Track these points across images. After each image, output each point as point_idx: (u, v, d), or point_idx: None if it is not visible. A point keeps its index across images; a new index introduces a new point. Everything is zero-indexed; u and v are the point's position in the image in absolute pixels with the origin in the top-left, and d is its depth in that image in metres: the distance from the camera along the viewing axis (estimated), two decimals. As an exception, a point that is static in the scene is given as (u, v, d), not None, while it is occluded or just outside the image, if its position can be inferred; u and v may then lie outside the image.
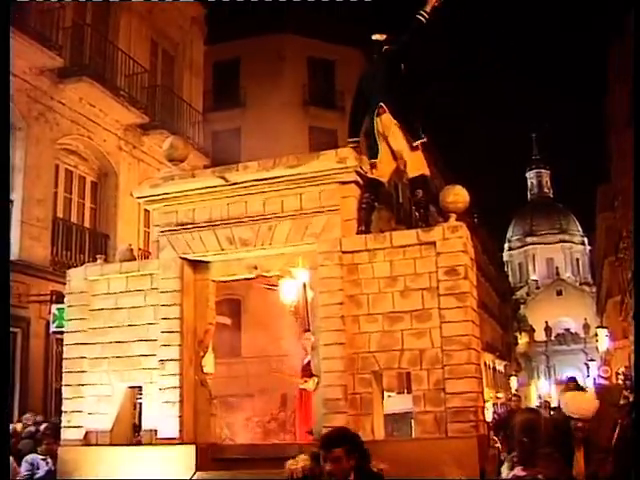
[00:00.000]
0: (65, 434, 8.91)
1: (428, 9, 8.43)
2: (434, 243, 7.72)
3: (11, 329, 14.10)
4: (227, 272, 8.95)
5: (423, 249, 7.80)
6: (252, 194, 8.51)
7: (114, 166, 18.98)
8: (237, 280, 9.26)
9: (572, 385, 15.11)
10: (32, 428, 10.75)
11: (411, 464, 6.95)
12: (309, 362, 9.24)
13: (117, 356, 8.85)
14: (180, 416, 8.38)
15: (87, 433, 8.78)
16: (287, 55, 29.19)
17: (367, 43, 9.21)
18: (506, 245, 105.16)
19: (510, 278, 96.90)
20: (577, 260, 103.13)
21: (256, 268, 8.74)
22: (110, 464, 8.26)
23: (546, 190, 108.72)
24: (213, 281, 9.00)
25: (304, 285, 9.18)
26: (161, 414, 8.42)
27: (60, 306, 13.85)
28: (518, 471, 5.93)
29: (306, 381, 9.62)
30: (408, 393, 9.69)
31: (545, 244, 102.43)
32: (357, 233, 8.22)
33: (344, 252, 8.03)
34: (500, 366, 66.41)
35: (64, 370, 9.18)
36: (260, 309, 13.11)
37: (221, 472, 7.89)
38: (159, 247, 8.99)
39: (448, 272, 7.60)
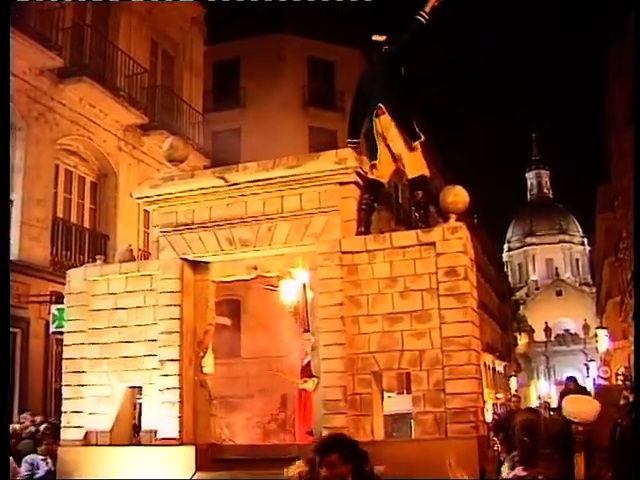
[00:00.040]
0: (65, 434, 8.91)
1: (428, 9, 8.43)
2: (434, 244, 7.73)
3: (11, 329, 14.09)
4: (227, 273, 8.96)
5: (423, 250, 7.80)
6: (252, 195, 8.51)
7: (114, 166, 18.97)
8: (237, 281, 9.27)
9: (572, 385, 15.12)
10: (32, 428, 10.75)
11: (411, 465, 6.95)
12: (309, 363, 9.25)
13: (117, 356, 8.86)
14: (180, 417, 8.38)
15: (87, 433, 8.79)
16: (287, 55, 29.18)
17: (367, 43, 9.22)
18: (506, 246, 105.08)
19: (510, 279, 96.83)
20: (577, 260, 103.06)
21: (256, 269, 8.75)
22: (110, 464, 8.27)
23: (546, 190, 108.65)
24: (213, 282, 9.01)
25: (304, 286, 9.19)
26: (161, 414, 8.43)
27: (60, 306, 13.84)
28: (519, 471, 5.93)
29: (306, 381, 9.63)
30: (408, 394, 9.69)
31: (545, 244, 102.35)
32: (357, 234, 8.22)
33: (344, 253, 8.03)
34: (500, 367, 66.37)
35: (64, 370, 9.19)
36: (260, 310, 13.12)
37: (221, 473, 7.89)
38: (159, 248, 8.99)
39: (448, 273, 7.61)
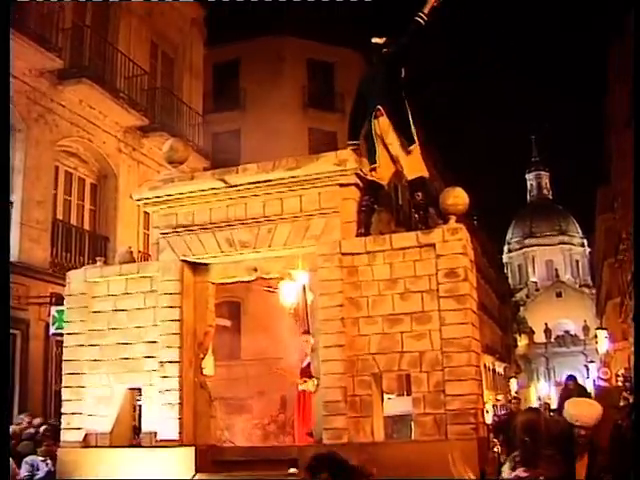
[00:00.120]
0: (65, 436, 8.91)
1: (427, 10, 8.43)
2: (434, 245, 7.73)
3: (11, 331, 14.08)
4: (227, 274, 8.96)
5: (423, 251, 7.80)
6: (252, 196, 8.52)
7: (114, 168, 18.96)
8: (237, 282, 9.27)
9: (572, 384, 15.12)
10: (32, 430, 10.75)
11: (411, 466, 6.96)
12: (309, 364, 9.25)
13: (117, 358, 8.86)
14: (180, 418, 8.38)
15: (87, 435, 8.78)
16: (287, 57, 29.19)
17: (367, 45, 9.22)
18: (505, 247, 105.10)
19: (510, 280, 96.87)
20: (577, 262, 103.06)
21: (256, 270, 8.75)
22: (110, 466, 8.27)
23: (545, 192, 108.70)
24: (213, 283, 9.01)
25: (304, 287, 9.20)
26: (161, 416, 8.42)
27: (60, 308, 13.84)
28: (520, 472, 5.93)
29: (305, 381, 9.64)
30: (408, 395, 9.70)
31: (545, 246, 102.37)
32: (357, 235, 8.22)
33: (344, 254, 8.04)
34: (500, 368, 66.37)
35: (64, 372, 9.19)
36: (260, 311, 13.14)
37: (220, 474, 7.89)
38: (159, 249, 8.99)
39: (448, 274, 7.61)
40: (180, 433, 8.35)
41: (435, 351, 7.57)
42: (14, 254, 14.99)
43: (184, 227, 8.81)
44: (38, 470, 9.46)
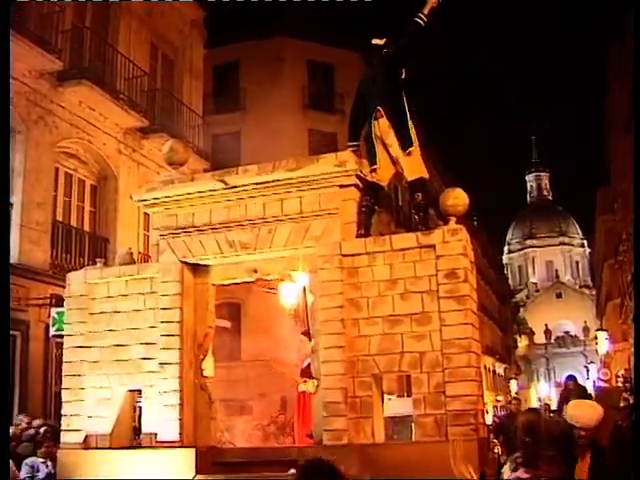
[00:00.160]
0: (65, 437, 8.91)
1: (426, 11, 8.43)
2: (434, 246, 7.73)
3: (11, 332, 14.08)
4: (227, 275, 8.96)
5: (423, 252, 7.80)
6: (252, 197, 8.52)
7: (114, 169, 18.97)
8: (237, 283, 9.27)
9: (572, 384, 15.13)
10: (32, 431, 10.74)
11: (411, 467, 6.95)
12: (309, 364, 9.25)
13: (117, 359, 8.86)
14: (180, 419, 8.38)
15: (87, 436, 8.78)
16: (286, 58, 29.20)
17: (366, 46, 9.23)
18: (506, 248, 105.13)
19: (510, 281, 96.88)
20: (577, 263, 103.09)
21: (256, 271, 8.75)
22: (110, 467, 8.26)
23: (545, 193, 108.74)
24: (213, 284, 9.01)
25: (304, 288, 9.19)
26: (161, 417, 8.42)
27: (60, 309, 13.84)
28: (521, 473, 5.93)
29: (305, 381, 9.63)
30: (408, 396, 9.69)
31: (545, 247, 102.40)
32: (357, 236, 8.22)
33: (344, 255, 8.03)
34: (500, 369, 66.37)
35: (64, 373, 9.18)
36: (260, 313, 13.15)
37: (221, 475, 7.89)
38: (159, 251, 8.99)
39: (448, 275, 7.61)
40: (180, 434, 8.35)
41: (435, 352, 7.57)
42: (14, 256, 14.99)
43: (184, 228, 8.81)
44: (38, 472, 9.45)
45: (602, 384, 30.47)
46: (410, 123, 8.50)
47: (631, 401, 13.05)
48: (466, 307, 7.57)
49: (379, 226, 10.41)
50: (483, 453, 7.45)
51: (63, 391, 9.16)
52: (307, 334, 9.58)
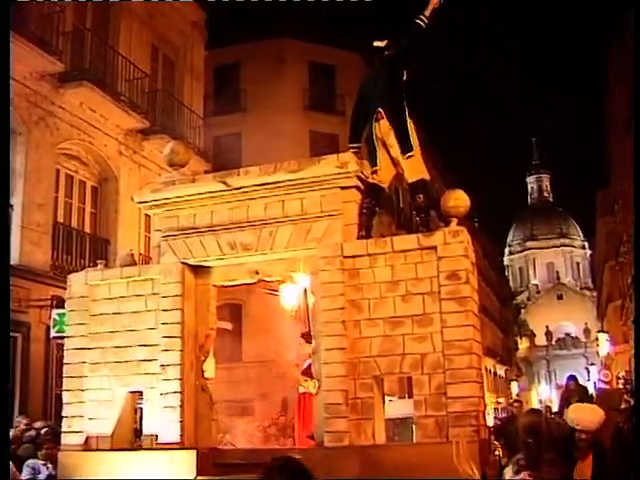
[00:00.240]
0: (66, 439, 8.89)
1: (427, 13, 8.43)
2: (435, 248, 7.72)
3: (11, 334, 14.09)
4: (228, 277, 8.95)
5: (424, 254, 7.79)
6: (253, 199, 8.51)
7: (115, 171, 18.98)
8: (238, 285, 9.26)
9: (573, 384, 15.11)
10: (32, 433, 10.74)
11: (412, 469, 6.94)
12: (310, 365, 9.25)
13: (118, 361, 8.85)
14: (181, 421, 8.37)
15: (88, 438, 8.77)
16: (288, 59, 29.23)
17: (367, 47, 9.22)
18: (507, 249, 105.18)
19: (511, 282, 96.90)
20: (578, 264, 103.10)
21: (257, 273, 8.74)
22: (111, 469, 8.25)
23: (546, 194, 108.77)
24: (214, 286, 9.00)
25: (305, 290, 9.19)
26: (162, 419, 8.41)
27: (61, 311, 13.85)
28: (524, 475, 5.93)
29: (306, 380, 9.63)
30: (409, 398, 9.68)
31: (545, 248, 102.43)
32: (358, 238, 8.21)
33: (345, 257, 8.03)
34: (501, 371, 66.35)
35: (64, 375, 9.17)
36: (261, 314, 13.14)
37: (221, 477, 7.88)
38: (160, 252, 8.99)
39: (449, 276, 7.60)
40: (181, 436, 8.34)
41: (436, 353, 7.56)
42: (15, 257, 15.01)
43: (185, 230, 8.80)
44: (39, 473, 9.45)
45: (603, 386, 30.45)
46: (411, 126, 8.50)
47: (632, 403, 13.03)
48: (467, 309, 7.56)
49: (380, 228, 10.42)
50: (484, 455, 7.44)
51: (64, 392, 9.15)
52: (306, 336, 9.59)
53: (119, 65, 18.98)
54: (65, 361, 9.22)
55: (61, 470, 8.65)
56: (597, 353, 53.33)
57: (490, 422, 18.49)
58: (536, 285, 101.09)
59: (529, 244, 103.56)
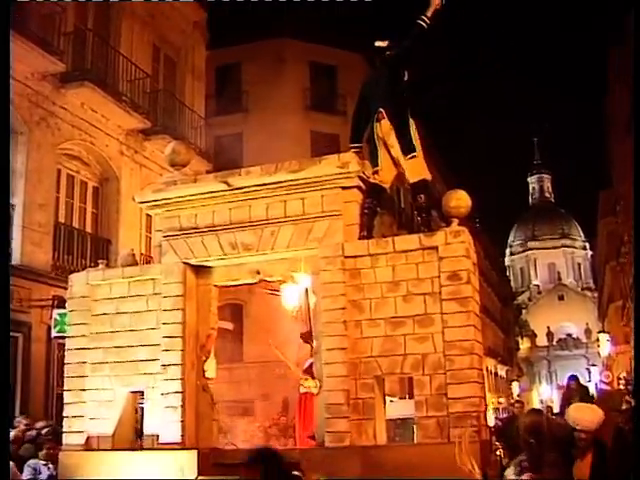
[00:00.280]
0: (67, 439, 8.91)
1: (429, 14, 8.43)
2: (436, 248, 7.72)
3: (12, 334, 14.08)
4: (229, 277, 8.95)
5: (425, 254, 7.79)
6: (255, 199, 8.51)
7: (116, 171, 18.97)
8: (239, 285, 9.27)
9: (574, 384, 15.08)
10: (33, 433, 10.73)
11: (413, 469, 6.94)
12: (311, 364, 9.25)
13: (119, 361, 8.85)
14: (182, 421, 8.37)
15: (89, 438, 8.78)
16: (288, 59, 29.22)
17: (369, 48, 9.22)
18: (508, 250, 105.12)
19: (512, 283, 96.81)
20: (579, 265, 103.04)
21: (258, 273, 8.74)
22: (112, 469, 8.25)
23: (547, 195, 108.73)
24: (215, 286, 9.01)
25: (306, 290, 9.18)
26: (163, 419, 8.42)
27: (62, 311, 13.83)
28: (527, 477, 5.93)
29: (306, 379, 9.63)
30: (410, 398, 9.68)
31: (547, 249, 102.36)
32: (359, 238, 8.22)
33: (346, 257, 8.03)
34: (502, 371, 66.32)
35: (65, 375, 9.18)
36: (262, 314, 13.12)
37: (222, 477, 7.87)
38: (161, 252, 8.99)
39: (450, 277, 7.60)
40: (182, 436, 8.35)
41: (437, 354, 7.56)
42: (16, 257, 15.02)
43: (187, 230, 8.81)
44: (40, 474, 9.41)
45: (604, 386, 30.48)
46: (413, 127, 8.50)
47: (633, 404, 13.01)
48: (468, 309, 7.56)
49: (381, 228, 10.44)
50: (485, 455, 7.44)
51: (65, 392, 9.16)
52: (306, 337, 9.59)
53: (120, 65, 18.97)
54: (66, 361, 9.23)
55: (62, 470, 8.65)
56: (598, 354, 53.34)
57: (491, 422, 18.51)
58: (537, 285, 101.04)
59: (530, 244, 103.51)
